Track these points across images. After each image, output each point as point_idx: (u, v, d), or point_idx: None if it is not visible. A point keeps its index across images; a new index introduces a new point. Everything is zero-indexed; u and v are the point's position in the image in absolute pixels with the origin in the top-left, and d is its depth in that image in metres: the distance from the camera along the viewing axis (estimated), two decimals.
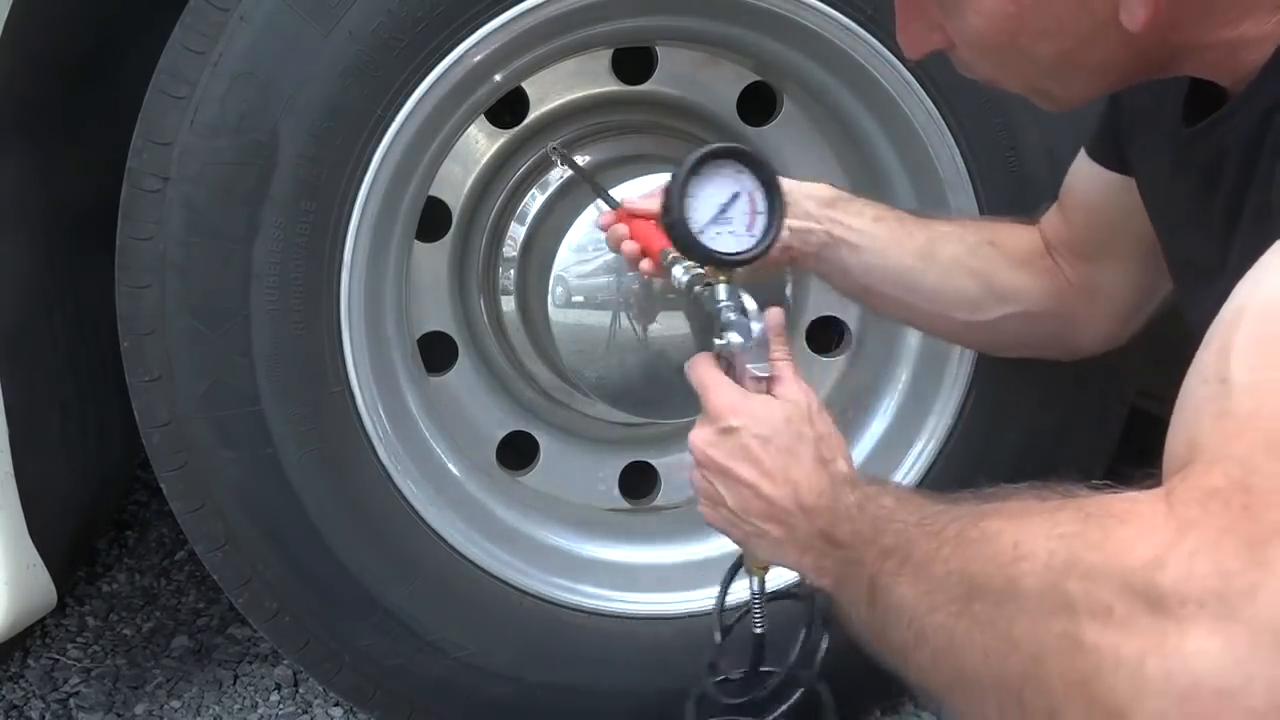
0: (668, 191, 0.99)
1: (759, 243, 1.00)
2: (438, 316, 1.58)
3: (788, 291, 1.60)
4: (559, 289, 1.46)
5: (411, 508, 1.42)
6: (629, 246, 1.23)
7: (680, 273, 1.07)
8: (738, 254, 1.00)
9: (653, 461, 1.66)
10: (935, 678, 0.72)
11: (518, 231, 1.59)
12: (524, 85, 1.53)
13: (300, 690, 1.72)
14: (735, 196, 1.00)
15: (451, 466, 1.52)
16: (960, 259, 1.29)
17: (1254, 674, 0.54)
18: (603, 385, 1.48)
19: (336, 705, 1.67)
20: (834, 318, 1.67)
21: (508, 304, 1.60)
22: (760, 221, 1.00)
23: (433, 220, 1.54)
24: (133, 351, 1.32)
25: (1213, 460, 0.60)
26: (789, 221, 1.21)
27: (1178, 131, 0.96)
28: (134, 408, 1.34)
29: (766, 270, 1.25)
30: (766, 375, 0.97)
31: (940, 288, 1.30)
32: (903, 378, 1.60)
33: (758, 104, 1.61)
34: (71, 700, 1.70)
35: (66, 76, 1.43)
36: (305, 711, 1.68)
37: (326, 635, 1.43)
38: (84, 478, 1.56)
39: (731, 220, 1.00)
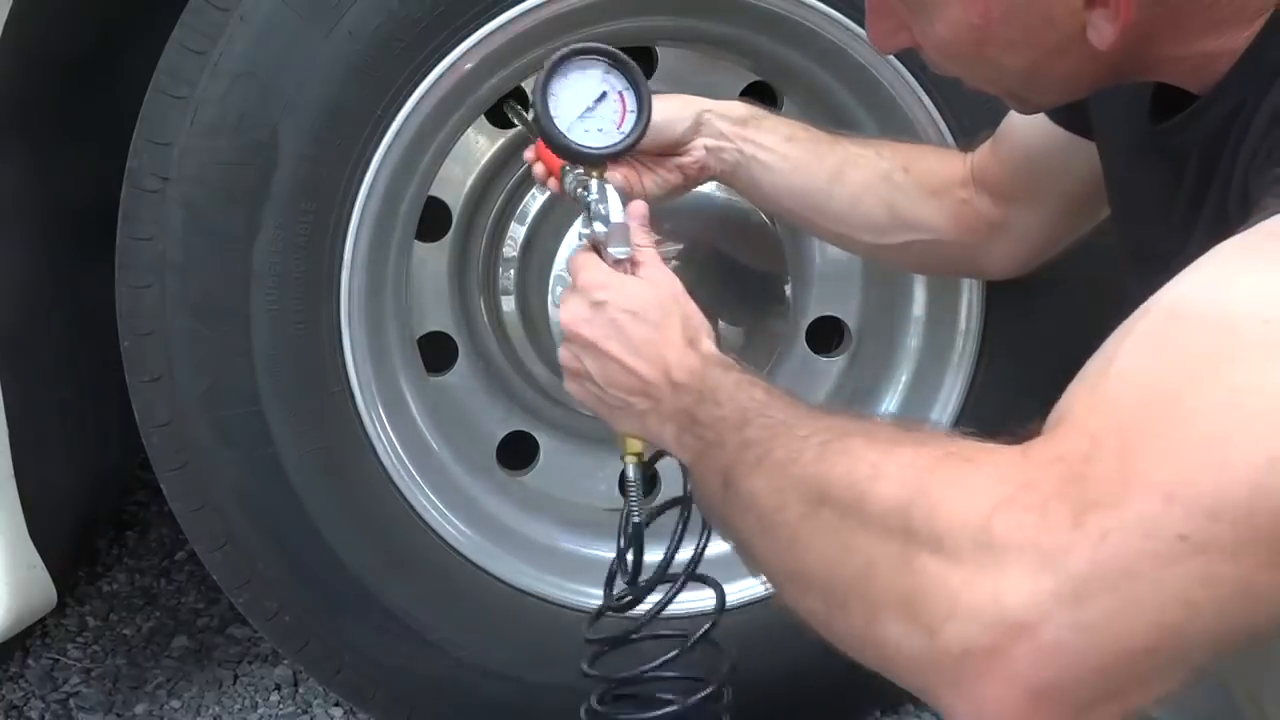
0: (534, 91, 1.03)
1: (625, 138, 1.05)
2: (438, 316, 1.58)
3: (788, 291, 1.61)
4: (559, 289, 1.46)
5: (411, 508, 1.42)
6: (538, 169, 1.25)
7: (569, 182, 1.10)
8: (602, 149, 1.04)
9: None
10: (772, 567, 0.79)
11: (518, 231, 1.59)
12: (524, 85, 1.52)
13: (300, 690, 1.72)
14: (604, 95, 1.05)
15: (451, 466, 1.52)
16: (869, 185, 1.31)
17: (1050, 616, 0.60)
18: None
19: (336, 705, 1.67)
20: (834, 318, 1.67)
21: (508, 304, 1.60)
22: (630, 119, 1.05)
23: (433, 220, 1.54)
24: (133, 351, 1.32)
25: (1070, 430, 0.65)
26: (704, 140, 1.26)
27: (1142, 125, 0.96)
28: (134, 408, 1.35)
29: (685, 187, 1.29)
30: (625, 257, 1.01)
31: (847, 211, 1.32)
32: (903, 378, 1.60)
33: (758, 104, 1.60)
34: (71, 700, 1.70)
35: (66, 76, 1.43)
36: (305, 711, 1.68)
37: (326, 635, 1.43)
38: (84, 478, 1.56)
39: (600, 118, 1.04)
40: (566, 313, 1.01)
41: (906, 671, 0.67)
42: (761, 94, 1.60)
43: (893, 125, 1.48)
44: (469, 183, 1.58)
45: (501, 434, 1.63)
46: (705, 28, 1.47)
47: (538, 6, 1.32)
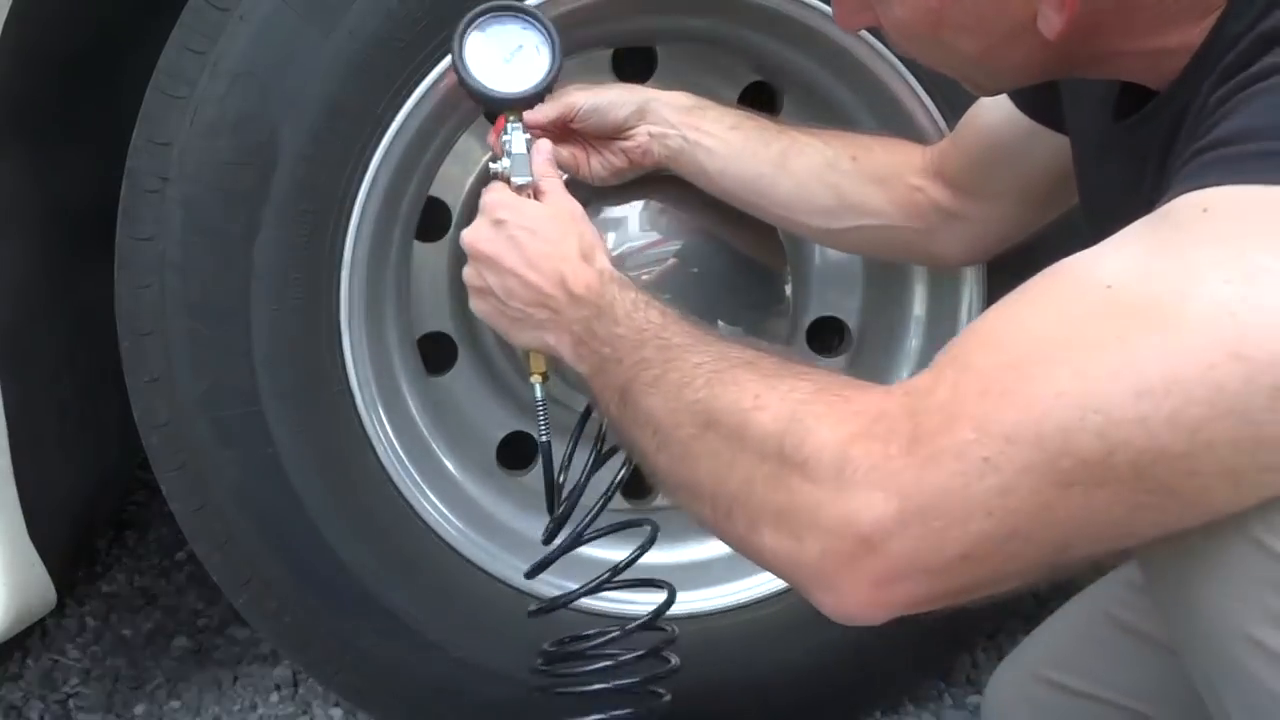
0: (451, 42, 1.12)
1: (535, 86, 1.14)
2: (438, 316, 1.58)
3: (788, 291, 1.61)
4: None
5: (411, 508, 1.42)
6: (491, 137, 1.31)
7: (504, 134, 1.18)
8: (512, 95, 1.14)
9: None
10: (667, 477, 0.88)
11: None
12: None
13: (300, 690, 1.72)
14: (520, 48, 1.14)
15: (451, 466, 1.52)
16: (814, 171, 1.34)
17: (887, 528, 0.71)
18: None
19: (336, 705, 1.67)
20: (834, 318, 1.67)
21: None
22: (543, 71, 1.14)
23: (433, 220, 1.54)
24: (133, 351, 1.32)
25: (929, 370, 0.75)
26: (647, 127, 1.33)
27: (1107, 122, 0.97)
28: (134, 408, 1.34)
29: (629, 171, 1.35)
30: (524, 183, 1.12)
31: (792, 196, 1.35)
32: (903, 378, 1.60)
33: (758, 104, 1.60)
34: (71, 700, 1.70)
35: (66, 76, 1.43)
36: (305, 711, 1.68)
37: (326, 635, 1.43)
38: (84, 478, 1.55)
39: (515, 69, 1.14)
40: (470, 233, 1.10)
41: (780, 571, 0.78)
42: (761, 94, 1.60)
43: (893, 125, 1.47)
44: (469, 183, 1.58)
45: (501, 434, 1.63)
46: (705, 27, 1.47)
47: (537, 6, 1.32)
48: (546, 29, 1.14)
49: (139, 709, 1.68)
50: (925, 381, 0.74)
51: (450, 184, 1.56)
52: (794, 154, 1.34)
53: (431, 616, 1.44)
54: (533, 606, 1.30)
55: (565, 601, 1.26)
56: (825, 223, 1.37)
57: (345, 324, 1.36)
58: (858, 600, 0.74)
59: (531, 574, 1.25)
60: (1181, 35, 0.83)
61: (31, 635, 1.81)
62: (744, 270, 1.58)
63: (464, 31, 1.11)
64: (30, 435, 1.35)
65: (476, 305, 1.12)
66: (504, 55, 1.13)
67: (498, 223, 1.08)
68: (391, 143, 1.32)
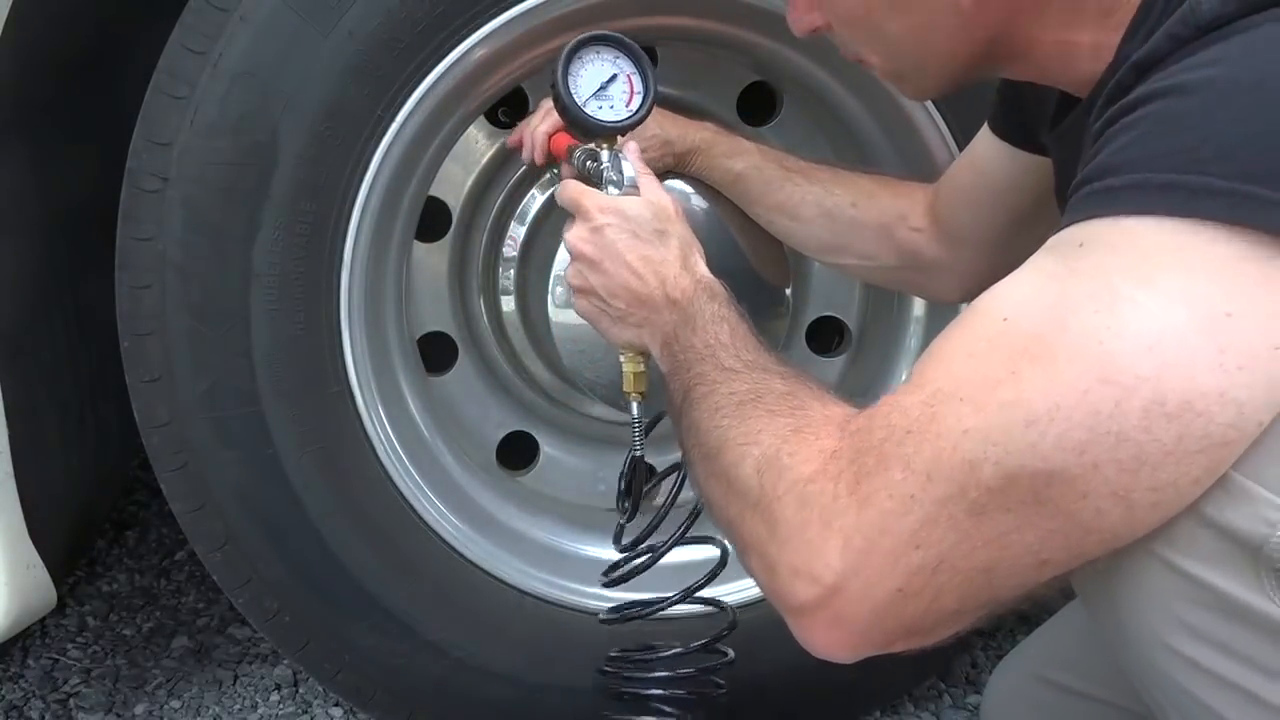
0: (554, 71, 1.15)
1: (633, 115, 1.17)
2: (438, 316, 1.58)
3: (788, 292, 1.61)
4: (559, 289, 1.46)
5: (411, 508, 1.43)
6: (536, 153, 1.38)
7: (579, 156, 1.22)
8: (615, 123, 1.17)
9: (652, 462, 1.65)
10: (695, 483, 0.96)
11: (518, 231, 1.59)
12: (524, 85, 1.53)
13: (300, 690, 1.72)
14: (614, 78, 1.17)
15: (451, 466, 1.52)
16: (816, 218, 1.41)
17: (835, 567, 0.76)
18: (602, 385, 1.48)
19: (336, 705, 1.67)
20: (834, 318, 1.67)
21: (508, 304, 1.60)
22: (637, 99, 1.17)
23: (433, 220, 1.54)
24: (133, 351, 1.32)
25: (873, 406, 0.79)
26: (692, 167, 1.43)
27: (1049, 135, 1.02)
28: (134, 408, 1.35)
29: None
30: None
31: (794, 232, 1.44)
32: (903, 378, 1.60)
33: (758, 104, 1.61)
34: (71, 700, 1.70)
35: (66, 76, 1.43)
36: (305, 711, 1.68)
37: (326, 635, 1.43)
38: (84, 478, 1.56)
39: (611, 97, 1.17)
40: (572, 235, 1.12)
41: (765, 594, 0.83)
42: (761, 94, 1.60)
43: (892, 124, 1.48)
44: (469, 183, 1.58)
45: (501, 434, 1.63)
46: (705, 28, 1.47)
47: (538, 6, 1.33)
48: (637, 57, 1.17)
49: (139, 709, 1.68)
50: (867, 418, 0.79)
51: (450, 184, 1.56)
52: (796, 202, 1.40)
53: (431, 616, 1.44)
54: (603, 615, 1.34)
55: (635, 616, 1.31)
56: (822, 255, 1.45)
57: (345, 324, 1.36)
58: (822, 637, 0.78)
59: (610, 584, 1.30)
60: (1092, 36, 0.87)
61: (31, 635, 1.81)
62: (745, 269, 1.58)
63: (566, 65, 1.15)
64: (30, 435, 1.35)
65: (579, 304, 1.16)
66: (599, 84, 1.17)
67: (600, 226, 1.10)
68: (391, 143, 1.33)
